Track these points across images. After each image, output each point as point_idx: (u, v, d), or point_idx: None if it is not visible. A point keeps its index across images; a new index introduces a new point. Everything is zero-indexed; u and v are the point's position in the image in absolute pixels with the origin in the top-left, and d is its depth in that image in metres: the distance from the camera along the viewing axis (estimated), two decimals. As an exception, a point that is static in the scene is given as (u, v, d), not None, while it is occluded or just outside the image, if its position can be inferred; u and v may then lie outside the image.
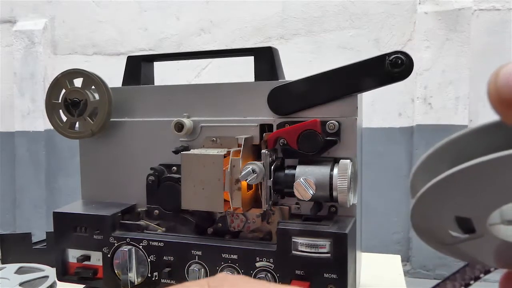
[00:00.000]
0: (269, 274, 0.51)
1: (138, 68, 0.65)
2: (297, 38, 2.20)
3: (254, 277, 0.52)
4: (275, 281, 0.51)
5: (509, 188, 0.14)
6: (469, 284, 0.19)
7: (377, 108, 1.97)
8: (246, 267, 0.52)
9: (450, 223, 0.16)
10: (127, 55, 0.67)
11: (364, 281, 0.65)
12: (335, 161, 0.53)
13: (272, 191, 0.54)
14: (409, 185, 0.17)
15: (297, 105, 0.55)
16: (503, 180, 0.14)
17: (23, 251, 0.79)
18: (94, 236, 0.57)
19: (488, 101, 0.13)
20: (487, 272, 0.18)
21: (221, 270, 0.52)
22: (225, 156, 0.53)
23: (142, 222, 0.60)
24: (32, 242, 0.82)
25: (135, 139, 0.63)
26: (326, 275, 0.48)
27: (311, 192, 0.50)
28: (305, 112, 0.55)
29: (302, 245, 0.49)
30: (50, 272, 0.64)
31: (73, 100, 0.61)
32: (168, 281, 0.55)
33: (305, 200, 0.51)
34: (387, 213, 2.06)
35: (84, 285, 0.60)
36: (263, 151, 0.53)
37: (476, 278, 0.18)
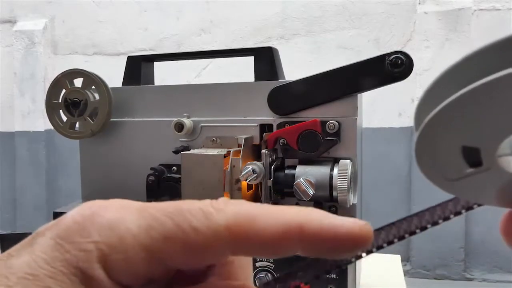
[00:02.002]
0: (269, 274, 0.51)
1: (138, 68, 0.65)
2: (297, 38, 2.20)
3: (254, 277, 0.52)
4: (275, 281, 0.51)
5: None
6: (449, 218, 0.18)
7: (377, 108, 1.98)
8: (246, 267, 0.52)
9: (456, 155, 0.15)
10: (127, 55, 0.67)
11: (364, 281, 0.65)
12: (335, 161, 0.53)
13: (272, 191, 0.54)
14: (413, 120, 0.16)
15: (297, 105, 0.55)
16: None
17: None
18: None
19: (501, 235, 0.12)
20: (469, 208, 0.17)
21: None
22: (225, 156, 0.53)
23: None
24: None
25: (135, 139, 0.63)
26: (326, 275, 0.48)
27: (311, 192, 0.50)
28: (305, 112, 0.55)
29: (302, 245, 0.49)
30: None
31: (73, 100, 0.61)
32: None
33: (305, 200, 0.51)
34: (387, 213, 2.06)
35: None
36: (263, 151, 0.53)
37: (457, 213, 0.17)
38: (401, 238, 0.18)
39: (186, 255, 0.16)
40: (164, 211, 0.16)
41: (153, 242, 0.16)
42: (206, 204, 0.17)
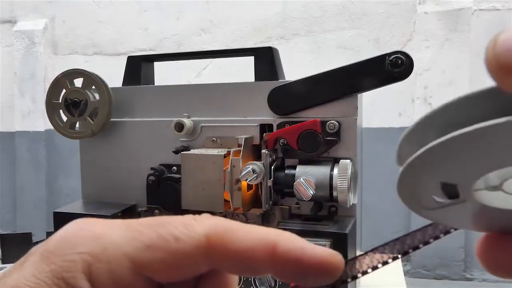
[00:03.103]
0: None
1: (138, 68, 0.65)
2: (297, 38, 2.20)
3: (254, 277, 0.52)
4: (275, 282, 0.51)
5: (497, 156, 0.14)
6: (428, 242, 0.19)
7: (377, 108, 1.97)
8: (246, 267, 0.52)
9: (435, 189, 0.16)
10: (127, 55, 0.67)
11: (364, 281, 0.65)
12: (335, 161, 0.53)
13: (272, 191, 0.54)
14: (396, 154, 0.17)
15: (297, 105, 0.55)
16: (492, 148, 0.14)
17: (24, 251, 0.79)
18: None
19: (486, 68, 0.13)
20: (447, 232, 0.19)
21: (221, 270, 0.52)
22: (225, 156, 0.53)
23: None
24: (33, 242, 0.81)
25: (135, 139, 0.63)
26: None
27: (311, 192, 0.50)
28: (305, 112, 0.55)
29: (302, 245, 0.49)
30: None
31: (74, 100, 0.61)
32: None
33: (305, 200, 0.51)
34: (387, 213, 2.06)
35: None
36: (263, 151, 0.53)
37: (436, 238, 0.19)
38: (384, 263, 0.19)
39: (167, 264, 0.17)
40: (148, 224, 0.17)
41: (136, 252, 0.16)
42: (188, 218, 0.17)
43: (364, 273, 0.19)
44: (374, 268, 0.19)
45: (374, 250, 0.19)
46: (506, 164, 0.14)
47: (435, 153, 0.15)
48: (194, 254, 0.17)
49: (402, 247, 0.19)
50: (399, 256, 0.19)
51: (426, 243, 0.19)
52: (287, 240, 0.17)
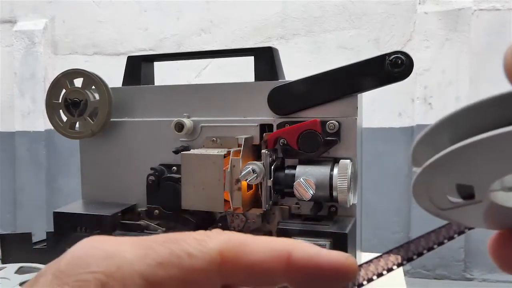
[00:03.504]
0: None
1: (138, 68, 0.65)
2: (297, 38, 2.20)
3: None
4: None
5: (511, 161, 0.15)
6: (443, 243, 0.19)
7: (377, 108, 1.97)
8: (246, 267, 0.52)
9: (450, 190, 0.17)
10: (127, 55, 0.67)
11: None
12: (335, 161, 0.53)
13: (272, 191, 0.54)
14: (411, 155, 0.18)
15: (297, 105, 0.55)
16: (509, 153, 0.14)
17: (24, 251, 0.79)
18: (94, 236, 0.57)
19: (504, 72, 0.13)
20: (461, 233, 0.19)
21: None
22: (225, 156, 0.53)
23: (142, 222, 0.60)
24: (33, 242, 0.81)
25: (135, 139, 0.63)
26: None
27: (311, 192, 0.50)
28: (305, 112, 0.55)
29: (302, 245, 0.49)
30: (50, 272, 0.64)
31: (73, 100, 0.61)
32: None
33: (305, 200, 0.51)
34: (387, 213, 2.06)
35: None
36: (263, 151, 0.53)
37: (450, 238, 0.19)
38: (400, 265, 0.19)
39: (181, 281, 0.16)
40: (160, 241, 0.17)
41: (149, 269, 0.16)
42: (200, 233, 0.17)
43: (380, 275, 0.19)
44: (389, 270, 0.19)
45: (388, 252, 0.19)
46: None
47: (453, 158, 0.15)
48: (207, 270, 0.16)
49: (416, 249, 0.19)
50: (414, 257, 0.19)
51: (440, 243, 0.19)
52: (301, 248, 0.17)
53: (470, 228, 0.19)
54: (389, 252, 0.19)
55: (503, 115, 0.15)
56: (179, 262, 0.16)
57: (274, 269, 0.17)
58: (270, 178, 0.53)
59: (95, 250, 0.17)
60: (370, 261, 0.19)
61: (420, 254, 0.19)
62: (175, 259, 0.16)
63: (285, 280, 0.17)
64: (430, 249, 0.19)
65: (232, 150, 0.54)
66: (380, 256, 0.19)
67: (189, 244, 0.17)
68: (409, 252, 0.19)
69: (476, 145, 0.14)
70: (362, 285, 0.19)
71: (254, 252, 0.17)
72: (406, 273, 1.43)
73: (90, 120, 0.61)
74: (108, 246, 0.17)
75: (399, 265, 0.19)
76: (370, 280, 0.19)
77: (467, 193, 0.17)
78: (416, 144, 0.17)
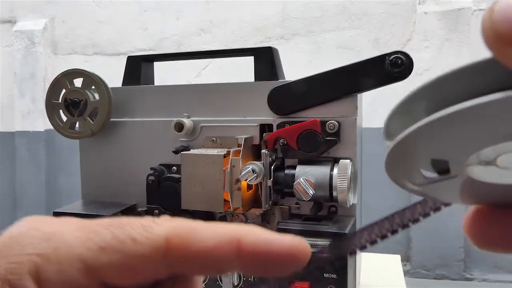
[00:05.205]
0: (269, 274, 0.51)
1: (138, 68, 0.65)
2: (297, 38, 2.20)
3: (254, 277, 0.52)
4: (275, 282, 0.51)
5: (493, 132, 0.14)
6: (418, 220, 0.19)
7: (377, 108, 1.97)
8: (246, 267, 0.52)
9: (425, 165, 0.16)
10: (127, 55, 0.67)
11: (364, 281, 0.65)
12: (335, 161, 0.53)
13: (272, 191, 0.54)
14: (384, 127, 0.17)
15: (297, 105, 0.55)
16: (488, 125, 0.13)
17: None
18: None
19: (482, 39, 0.13)
20: (437, 209, 0.18)
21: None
22: (225, 156, 0.53)
23: (142, 222, 0.60)
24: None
25: (135, 139, 0.63)
26: (326, 275, 0.48)
27: (311, 192, 0.50)
28: (305, 112, 0.55)
29: (302, 245, 0.49)
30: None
31: (73, 100, 0.61)
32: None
33: (305, 200, 0.51)
34: (387, 213, 2.06)
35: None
36: (263, 151, 0.53)
37: (426, 215, 0.19)
38: (373, 242, 0.19)
39: (123, 267, 0.16)
40: (104, 224, 0.16)
41: (90, 253, 0.16)
42: (147, 219, 0.17)
43: (363, 247, 0.19)
44: (363, 247, 0.19)
45: (362, 230, 0.19)
46: (502, 140, 0.14)
47: (428, 130, 0.14)
48: (152, 257, 0.16)
49: (391, 225, 0.19)
50: (388, 234, 0.19)
51: (415, 220, 0.19)
52: (251, 234, 0.16)
53: (446, 204, 0.18)
54: (374, 224, 0.19)
55: (485, 83, 0.13)
56: (122, 248, 0.16)
57: (224, 256, 0.16)
58: (270, 178, 0.53)
59: (33, 231, 0.16)
60: (353, 233, 0.19)
61: (394, 232, 0.19)
62: (118, 244, 0.16)
63: (237, 267, 0.16)
64: (404, 226, 0.19)
65: (232, 150, 0.54)
66: (364, 228, 0.19)
67: (134, 229, 0.16)
68: (393, 224, 0.19)
69: (451, 117, 0.13)
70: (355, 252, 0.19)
71: (202, 239, 0.16)
72: (406, 273, 1.43)
73: (90, 120, 0.61)
74: (48, 227, 0.16)
75: (383, 237, 0.19)
76: (353, 252, 0.19)
77: (442, 168, 0.16)
78: (390, 116, 0.16)
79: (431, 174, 0.16)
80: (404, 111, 0.15)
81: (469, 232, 0.18)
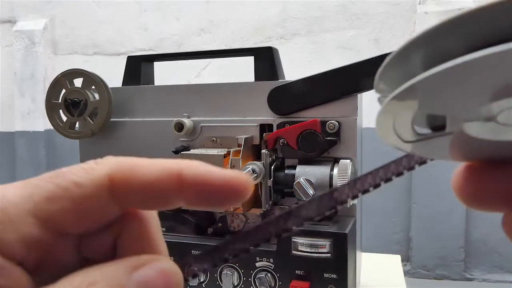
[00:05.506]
0: (269, 274, 0.51)
1: (138, 68, 0.65)
2: (297, 38, 2.20)
3: (254, 277, 0.52)
4: (275, 281, 0.51)
5: (500, 86, 0.13)
6: (402, 173, 0.18)
7: (377, 108, 1.97)
8: (246, 267, 0.52)
9: (419, 121, 0.15)
10: (127, 55, 0.67)
11: (364, 281, 0.65)
12: (335, 161, 0.53)
13: (272, 191, 0.54)
14: (376, 79, 0.16)
15: (297, 105, 0.55)
16: (496, 78, 0.12)
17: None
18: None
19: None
20: (422, 163, 0.18)
21: (221, 270, 0.52)
22: (225, 156, 0.53)
23: (142, 222, 0.60)
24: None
25: (135, 139, 0.63)
26: (326, 275, 0.48)
27: (311, 192, 0.50)
28: (305, 112, 0.55)
29: (302, 245, 0.49)
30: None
31: (73, 100, 0.61)
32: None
33: (305, 200, 0.51)
34: (387, 213, 2.06)
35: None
36: (263, 151, 0.53)
37: (410, 168, 0.18)
38: (355, 197, 0.19)
39: (73, 213, 0.16)
40: (45, 178, 0.16)
41: (38, 206, 0.16)
42: (88, 162, 0.17)
43: (343, 202, 0.19)
44: (342, 202, 0.19)
45: (344, 185, 0.19)
46: (509, 95, 0.13)
47: (430, 84, 0.13)
48: (98, 196, 0.16)
49: (374, 179, 0.19)
50: (370, 189, 0.19)
51: (399, 174, 0.18)
52: (192, 166, 0.17)
53: (431, 159, 0.18)
54: (358, 179, 0.19)
55: (489, 32, 0.12)
56: (68, 194, 0.16)
57: (166, 188, 0.17)
58: (270, 178, 0.53)
59: None
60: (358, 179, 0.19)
61: (388, 180, 0.18)
62: (63, 191, 0.16)
63: (180, 198, 0.17)
64: (399, 174, 0.19)
65: (232, 150, 0.54)
66: (346, 184, 0.19)
67: (76, 174, 0.16)
68: (376, 178, 0.19)
69: (454, 70, 0.12)
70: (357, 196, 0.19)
71: (144, 173, 0.17)
72: (406, 273, 1.43)
73: (90, 120, 0.61)
74: None
75: (364, 192, 0.19)
76: (333, 207, 0.19)
77: (437, 124, 0.15)
78: (384, 67, 0.15)
79: (424, 130, 0.15)
80: (399, 63, 0.14)
81: (458, 189, 0.18)
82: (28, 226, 0.16)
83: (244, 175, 0.17)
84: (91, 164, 0.17)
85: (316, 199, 0.18)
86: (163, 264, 0.16)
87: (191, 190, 0.16)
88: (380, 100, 0.16)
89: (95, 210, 0.16)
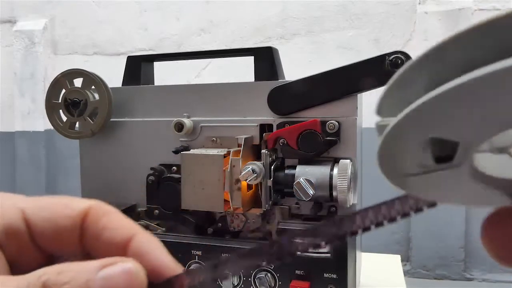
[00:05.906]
0: (269, 274, 0.51)
1: (138, 68, 0.65)
2: (297, 38, 2.20)
3: (254, 277, 0.52)
4: (275, 281, 0.51)
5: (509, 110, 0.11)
6: (408, 214, 0.16)
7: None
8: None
9: (425, 148, 0.13)
10: (127, 55, 0.67)
11: (364, 281, 0.65)
12: (335, 161, 0.53)
13: (272, 191, 0.54)
14: (378, 103, 0.14)
15: (297, 105, 0.55)
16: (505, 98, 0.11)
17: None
18: (94, 236, 0.57)
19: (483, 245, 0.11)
20: (418, 210, 0.16)
21: (221, 270, 0.52)
22: (225, 156, 0.53)
23: (142, 222, 0.60)
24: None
25: (135, 139, 0.63)
26: (326, 275, 0.48)
27: (311, 192, 0.50)
28: (305, 112, 0.55)
29: (302, 245, 0.49)
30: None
31: (73, 100, 0.61)
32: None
33: (305, 200, 0.51)
34: (387, 213, 2.06)
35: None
36: (263, 151, 0.53)
37: (418, 210, 0.16)
38: (342, 238, 0.17)
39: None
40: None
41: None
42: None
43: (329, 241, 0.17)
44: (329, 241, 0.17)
45: (328, 222, 0.17)
46: None
47: (440, 103, 0.11)
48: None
49: (362, 222, 0.17)
50: (359, 231, 0.17)
51: (391, 220, 0.16)
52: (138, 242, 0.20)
53: (429, 206, 0.16)
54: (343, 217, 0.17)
55: (498, 46, 0.11)
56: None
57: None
58: (270, 178, 0.53)
59: None
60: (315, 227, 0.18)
61: (366, 229, 0.17)
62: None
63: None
64: (392, 220, 0.17)
65: (232, 150, 0.54)
66: (332, 220, 0.17)
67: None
68: (366, 221, 0.17)
69: (469, 86, 0.11)
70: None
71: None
72: (406, 273, 1.43)
73: (90, 120, 0.61)
74: None
75: (352, 233, 0.17)
76: (317, 246, 0.18)
77: (442, 155, 0.13)
78: (387, 90, 0.13)
79: (427, 162, 0.14)
80: (404, 84, 0.13)
81: (487, 244, 0.15)
82: (11, 216, 0.18)
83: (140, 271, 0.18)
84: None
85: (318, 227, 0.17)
86: (128, 264, 0.18)
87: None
88: (381, 126, 0.14)
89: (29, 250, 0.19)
